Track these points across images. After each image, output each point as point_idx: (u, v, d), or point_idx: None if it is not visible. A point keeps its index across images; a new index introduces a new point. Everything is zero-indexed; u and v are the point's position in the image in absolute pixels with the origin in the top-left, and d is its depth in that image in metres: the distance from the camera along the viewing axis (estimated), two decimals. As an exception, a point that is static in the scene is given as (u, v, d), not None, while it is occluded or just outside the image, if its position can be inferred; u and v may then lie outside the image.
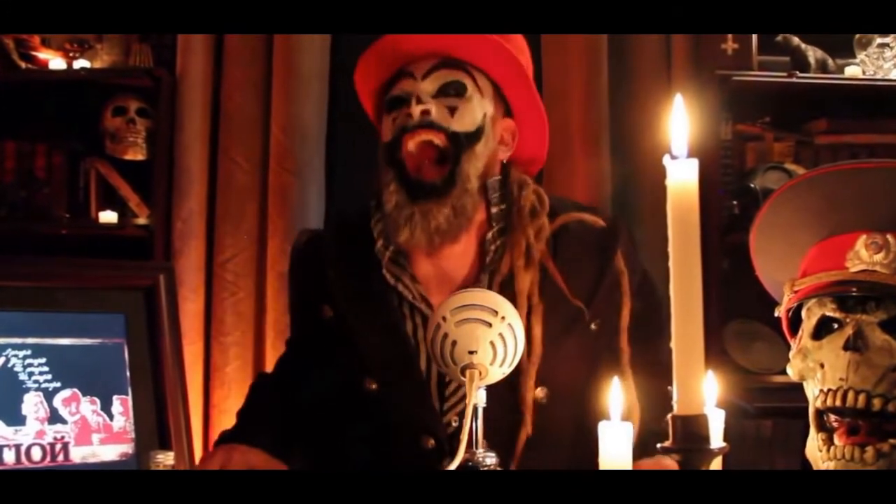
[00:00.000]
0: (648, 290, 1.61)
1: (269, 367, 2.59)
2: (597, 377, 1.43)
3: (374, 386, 1.51)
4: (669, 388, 1.60)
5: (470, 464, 1.17)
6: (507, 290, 1.47)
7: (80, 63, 2.73)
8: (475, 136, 1.51)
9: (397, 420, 1.49)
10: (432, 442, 1.46)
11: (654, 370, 1.47)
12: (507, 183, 1.56)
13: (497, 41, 1.52)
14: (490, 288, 1.49)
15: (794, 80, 2.62)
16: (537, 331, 1.47)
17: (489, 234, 1.54)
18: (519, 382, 1.45)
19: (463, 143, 1.49)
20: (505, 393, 1.40)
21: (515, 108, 1.60)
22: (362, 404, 1.52)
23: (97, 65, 2.76)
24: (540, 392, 1.47)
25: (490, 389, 1.22)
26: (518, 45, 1.59)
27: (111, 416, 1.70)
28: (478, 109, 1.52)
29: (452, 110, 1.51)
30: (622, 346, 1.51)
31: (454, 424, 1.49)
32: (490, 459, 1.18)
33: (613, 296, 1.52)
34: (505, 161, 1.60)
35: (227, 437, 1.57)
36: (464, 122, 1.50)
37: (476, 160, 1.51)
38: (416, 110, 1.49)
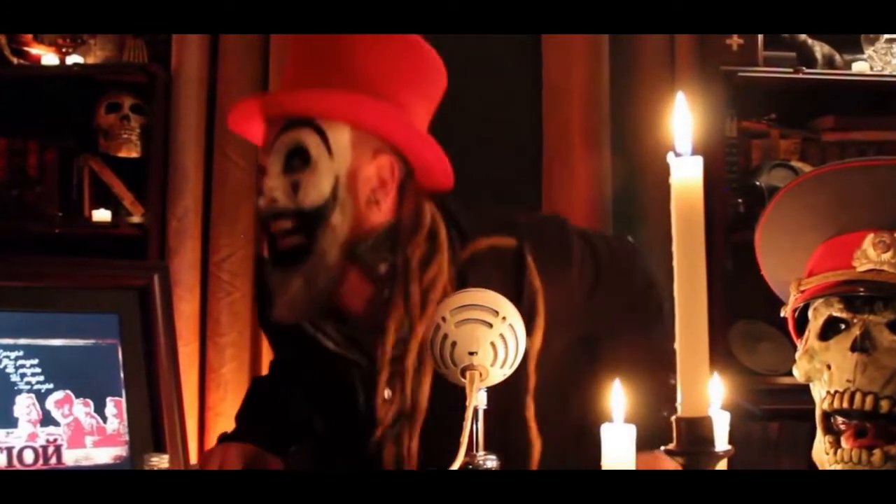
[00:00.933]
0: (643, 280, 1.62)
1: (266, 368, 2.60)
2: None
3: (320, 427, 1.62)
4: (672, 381, 1.61)
5: (470, 467, 1.17)
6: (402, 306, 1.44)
7: (73, 59, 2.73)
8: (324, 209, 1.42)
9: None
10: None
11: (651, 364, 1.47)
12: (393, 236, 1.47)
13: (345, 97, 1.43)
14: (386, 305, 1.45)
15: (801, 75, 2.62)
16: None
17: (377, 285, 1.47)
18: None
19: (313, 218, 1.42)
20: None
21: (398, 143, 1.48)
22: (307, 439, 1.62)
23: (90, 60, 2.76)
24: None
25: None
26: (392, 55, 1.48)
27: (105, 418, 1.70)
28: (324, 178, 1.42)
29: (296, 186, 1.43)
30: (528, 371, 1.44)
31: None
32: (490, 462, 1.18)
33: (529, 313, 1.43)
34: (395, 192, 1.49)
35: (225, 438, 1.63)
36: (308, 198, 1.42)
37: (332, 231, 1.43)
38: (261, 201, 1.44)
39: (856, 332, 1.15)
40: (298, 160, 1.43)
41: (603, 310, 1.58)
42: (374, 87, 1.44)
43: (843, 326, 1.18)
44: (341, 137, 1.44)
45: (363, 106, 1.43)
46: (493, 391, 1.24)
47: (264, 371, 2.61)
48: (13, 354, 1.64)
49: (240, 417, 1.72)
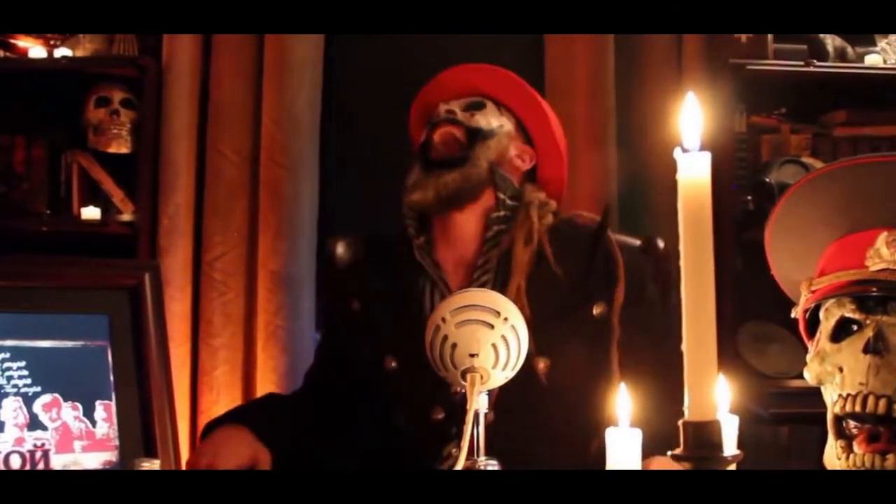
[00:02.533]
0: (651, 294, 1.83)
1: (260, 370, 2.61)
2: (613, 363, 1.69)
3: (393, 364, 1.76)
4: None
5: (471, 472, 1.17)
6: (504, 266, 1.76)
7: (62, 51, 2.72)
8: (489, 133, 1.85)
9: (411, 394, 1.72)
10: (442, 415, 1.69)
11: (664, 373, 1.52)
12: (515, 180, 1.86)
13: (526, 89, 1.91)
14: (486, 262, 1.78)
15: (812, 69, 2.62)
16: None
17: (493, 214, 1.81)
18: None
19: (478, 135, 1.83)
20: None
21: (537, 143, 1.93)
22: (379, 383, 1.77)
23: (79, 53, 2.76)
24: (542, 363, 1.65)
25: None
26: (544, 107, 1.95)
27: (94, 423, 1.70)
28: (494, 119, 1.88)
29: (473, 114, 1.87)
30: (613, 324, 1.72)
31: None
32: (492, 467, 1.18)
33: (609, 281, 1.75)
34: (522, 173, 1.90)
35: (212, 424, 1.77)
36: (480, 122, 1.85)
37: (487, 150, 1.83)
38: (442, 109, 1.87)
39: (868, 333, 1.15)
40: (475, 107, 1.88)
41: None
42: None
43: (855, 327, 1.18)
44: (508, 116, 1.91)
45: (541, 109, 1.93)
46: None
47: (259, 374, 2.61)
48: (-1, 356, 1.64)
49: (232, 409, 1.89)
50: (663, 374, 1.63)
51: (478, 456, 1.19)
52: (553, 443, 1.68)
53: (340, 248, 1.99)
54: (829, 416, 1.19)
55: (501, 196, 1.82)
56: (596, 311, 1.73)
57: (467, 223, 1.83)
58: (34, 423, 1.64)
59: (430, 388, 1.59)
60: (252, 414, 1.80)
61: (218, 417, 1.84)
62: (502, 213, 1.82)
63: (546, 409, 1.68)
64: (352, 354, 1.86)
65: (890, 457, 1.11)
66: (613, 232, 1.87)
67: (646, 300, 1.80)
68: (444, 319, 1.23)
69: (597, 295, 1.74)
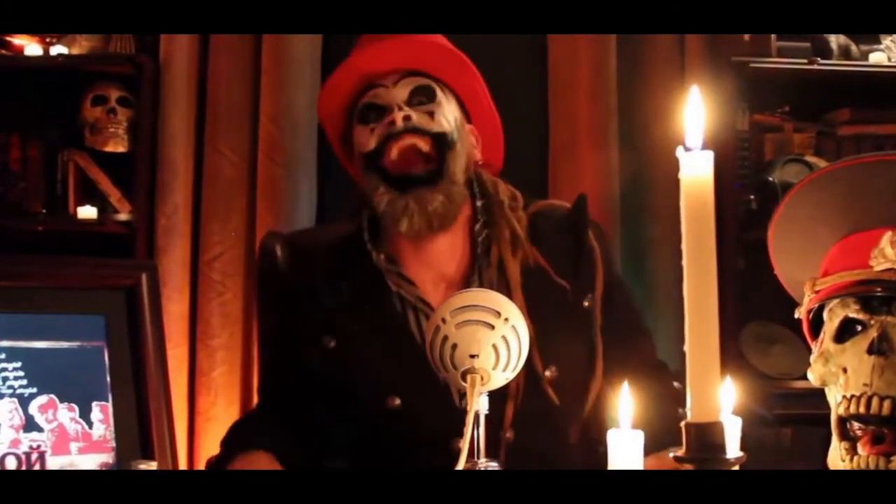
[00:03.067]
0: (625, 296, 1.76)
1: (257, 371, 2.60)
2: (598, 350, 1.64)
3: (397, 402, 1.57)
4: (676, 384, 1.67)
5: (471, 474, 1.17)
6: (498, 280, 1.63)
7: (58, 49, 2.73)
8: (453, 135, 1.64)
9: (425, 429, 1.55)
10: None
11: (652, 371, 1.64)
12: (482, 181, 1.72)
13: (459, 56, 1.69)
14: (481, 279, 1.64)
15: (816, 66, 2.62)
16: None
17: (477, 227, 1.68)
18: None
19: (446, 142, 1.63)
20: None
21: (473, 116, 1.75)
22: (385, 422, 1.58)
23: (75, 51, 2.76)
24: (549, 372, 1.59)
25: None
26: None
27: (90, 424, 1.70)
28: (449, 112, 1.66)
29: (430, 114, 1.64)
30: (596, 313, 1.66)
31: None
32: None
33: (591, 271, 1.68)
34: (477, 161, 1.74)
35: (221, 459, 1.58)
36: (442, 124, 1.64)
37: (458, 157, 1.64)
38: (399, 116, 1.61)
39: (873, 333, 1.15)
40: (423, 97, 1.66)
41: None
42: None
43: (859, 328, 1.18)
44: (450, 95, 1.70)
45: (476, 76, 1.72)
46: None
47: (256, 375, 2.61)
48: (-5, 357, 1.64)
49: (228, 441, 1.64)
50: (656, 370, 1.65)
51: (478, 458, 1.19)
52: (570, 449, 1.64)
53: (283, 252, 1.85)
54: (833, 418, 1.19)
55: (478, 204, 1.70)
56: (586, 304, 1.66)
57: (447, 240, 1.67)
58: (30, 425, 1.64)
59: (444, 420, 1.50)
60: (256, 438, 1.60)
61: (225, 452, 1.61)
62: (481, 220, 1.68)
63: (561, 418, 1.62)
64: (338, 394, 1.63)
65: (894, 459, 1.11)
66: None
67: (617, 279, 1.76)
68: (444, 320, 1.22)
69: (584, 287, 1.66)
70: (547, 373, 1.58)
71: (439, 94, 1.67)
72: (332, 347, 1.62)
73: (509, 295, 1.51)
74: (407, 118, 1.61)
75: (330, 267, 1.69)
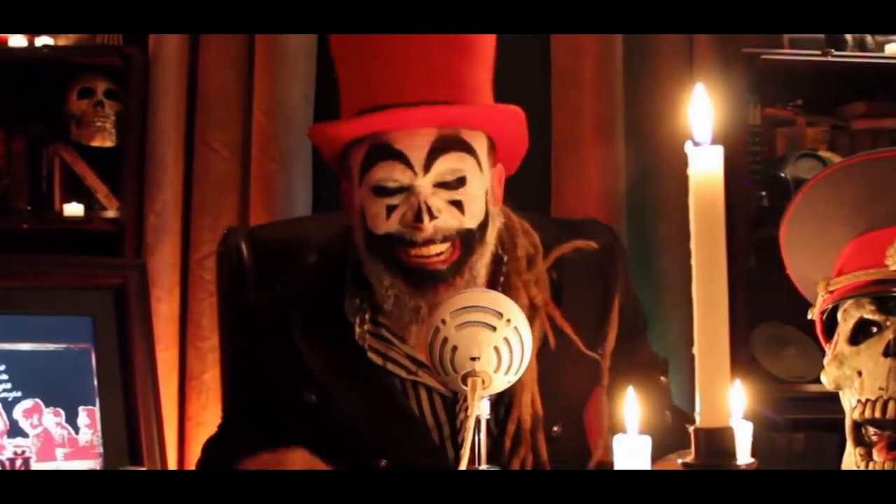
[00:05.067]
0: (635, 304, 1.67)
1: (224, 383, 2.59)
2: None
3: (383, 463, 1.48)
4: (662, 378, 1.65)
5: (472, 481, 1.17)
6: None
7: (43, 40, 2.73)
8: (484, 226, 1.47)
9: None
10: None
11: (644, 367, 1.59)
12: (501, 239, 1.54)
13: (507, 111, 1.50)
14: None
15: (829, 58, 2.62)
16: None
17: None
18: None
19: (473, 237, 1.46)
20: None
21: (498, 139, 1.54)
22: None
23: (61, 42, 2.76)
24: (556, 429, 1.52)
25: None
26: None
27: (77, 429, 1.70)
28: (480, 193, 1.47)
29: (458, 205, 1.44)
30: (604, 371, 1.54)
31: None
32: (494, 477, 1.18)
33: (608, 322, 1.56)
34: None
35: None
36: (473, 215, 1.45)
37: (485, 249, 1.48)
38: (429, 227, 1.41)
39: (889, 335, 1.15)
40: (455, 182, 1.44)
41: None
42: (485, 96, 1.51)
43: (875, 329, 1.18)
44: (482, 148, 1.49)
45: (509, 119, 1.51)
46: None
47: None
48: (-22, 360, 1.64)
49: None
50: (647, 366, 1.63)
51: (479, 464, 1.19)
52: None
53: (250, 256, 1.75)
54: (848, 423, 1.19)
55: (494, 267, 1.52)
56: (598, 353, 1.54)
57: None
58: (14, 430, 1.64)
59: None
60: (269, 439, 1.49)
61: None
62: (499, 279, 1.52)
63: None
64: (318, 445, 1.46)
65: (911, 465, 1.11)
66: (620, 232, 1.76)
67: (634, 313, 1.65)
68: (443, 321, 1.22)
69: (601, 339, 1.55)
70: (555, 429, 1.52)
71: (470, 174, 1.45)
72: (310, 401, 1.51)
73: (520, 381, 1.38)
74: (434, 219, 1.41)
75: (304, 302, 1.54)
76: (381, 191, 1.45)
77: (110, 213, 2.71)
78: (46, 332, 1.73)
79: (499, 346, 1.21)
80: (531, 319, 1.43)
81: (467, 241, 1.45)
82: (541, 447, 1.50)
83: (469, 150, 1.46)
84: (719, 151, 0.78)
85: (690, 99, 0.80)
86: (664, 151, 2.65)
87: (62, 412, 1.70)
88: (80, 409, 1.72)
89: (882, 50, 2.71)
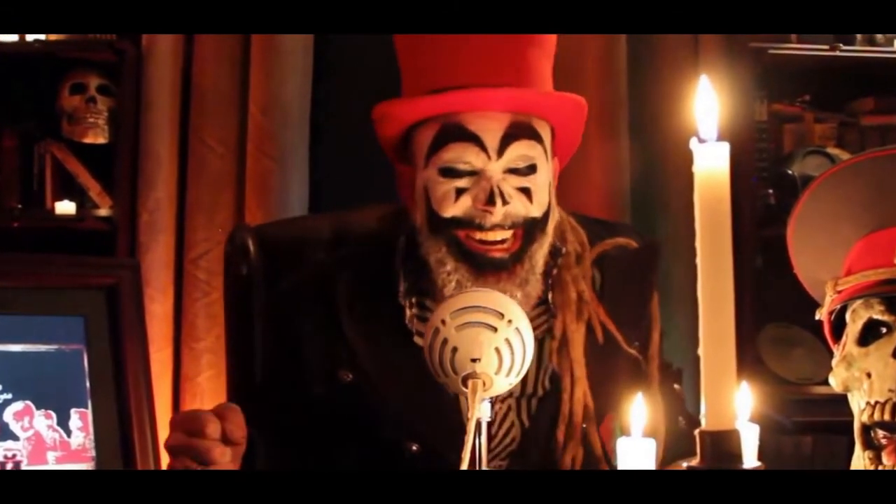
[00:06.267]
0: None
1: (230, 385, 2.60)
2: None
3: (414, 448, 1.50)
4: (676, 386, 1.67)
5: (472, 485, 1.17)
6: (559, 350, 1.53)
7: (34, 35, 2.73)
8: (547, 216, 1.52)
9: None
10: None
11: (665, 378, 1.61)
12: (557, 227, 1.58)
13: (575, 101, 1.60)
14: (541, 351, 1.52)
15: (838, 53, 2.62)
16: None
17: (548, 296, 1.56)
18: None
19: (537, 226, 1.51)
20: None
21: (558, 128, 1.61)
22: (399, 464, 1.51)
23: (53, 37, 2.76)
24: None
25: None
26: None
27: (69, 432, 1.70)
28: (546, 183, 1.52)
29: (527, 193, 1.49)
30: (652, 372, 1.57)
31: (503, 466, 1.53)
32: (495, 480, 1.18)
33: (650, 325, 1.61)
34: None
35: None
36: (540, 204, 1.50)
37: (545, 239, 1.52)
38: (500, 212, 1.46)
39: (899, 336, 1.15)
40: (526, 169, 1.49)
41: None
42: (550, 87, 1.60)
43: (884, 330, 1.18)
44: (548, 141, 1.55)
45: (575, 111, 1.60)
46: None
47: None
48: (-33, 361, 1.64)
49: None
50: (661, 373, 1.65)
51: (479, 467, 1.19)
52: None
53: (258, 251, 1.80)
54: (857, 425, 1.19)
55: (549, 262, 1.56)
56: (633, 349, 1.58)
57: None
58: (4, 433, 1.64)
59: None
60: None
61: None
62: (549, 294, 1.56)
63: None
64: (345, 430, 1.55)
65: (921, 469, 1.11)
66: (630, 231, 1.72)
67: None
68: (443, 322, 1.22)
69: (638, 335, 1.59)
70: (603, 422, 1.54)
71: (540, 162, 1.51)
72: (345, 380, 1.53)
73: (574, 383, 1.50)
74: (506, 214, 1.46)
75: (352, 281, 1.57)
76: (450, 172, 1.49)
77: (103, 212, 2.71)
78: (37, 332, 1.72)
79: (500, 347, 1.21)
80: (580, 313, 1.53)
81: (530, 230, 1.49)
82: (594, 442, 1.52)
83: (538, 138, 1.51)
84: (725, 148, 0.78)
85: (695, 94, 0.80)
86: (669, 148, 2.65)
87: (54, 414, 1.69)
88: (73, 411, 1.71)
89: (891, 45, 2.71)
